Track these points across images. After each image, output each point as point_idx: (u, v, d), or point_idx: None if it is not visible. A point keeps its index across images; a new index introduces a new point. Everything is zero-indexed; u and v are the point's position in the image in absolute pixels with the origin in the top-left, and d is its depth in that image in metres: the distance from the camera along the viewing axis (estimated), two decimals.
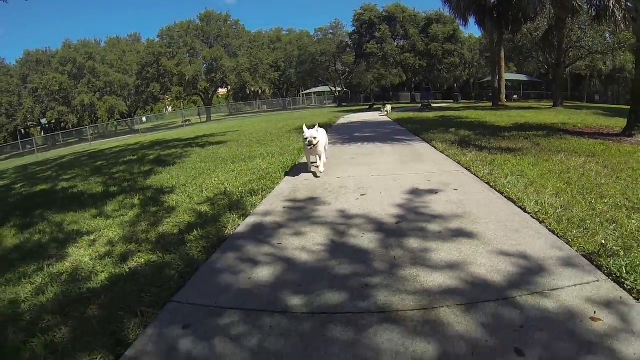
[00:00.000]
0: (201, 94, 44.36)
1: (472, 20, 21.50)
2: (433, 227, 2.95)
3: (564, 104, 20.33)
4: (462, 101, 36.39)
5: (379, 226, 3.06)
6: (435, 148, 6.58)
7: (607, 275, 2.09)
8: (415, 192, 3.92)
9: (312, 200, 3.92)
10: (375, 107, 25.44)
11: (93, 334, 2.00)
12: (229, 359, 1.71)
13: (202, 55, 41.48)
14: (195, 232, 3.25)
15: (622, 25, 11.20)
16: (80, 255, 3.15)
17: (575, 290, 1.97)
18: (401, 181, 4.42)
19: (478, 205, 3.36)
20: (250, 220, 3.49)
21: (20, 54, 50.05)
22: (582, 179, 4.00)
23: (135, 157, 9.66)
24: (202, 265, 2.66)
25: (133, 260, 2.88)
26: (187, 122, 37.65)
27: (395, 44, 39.45)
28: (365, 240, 2.82)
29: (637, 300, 1.87)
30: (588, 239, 2.50)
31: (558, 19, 18.27)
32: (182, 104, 54.59)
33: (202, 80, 41.05)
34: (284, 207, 3.77)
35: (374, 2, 39.70)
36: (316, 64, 44.39)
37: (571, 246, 2.46)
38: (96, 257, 3.07)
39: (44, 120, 42.90)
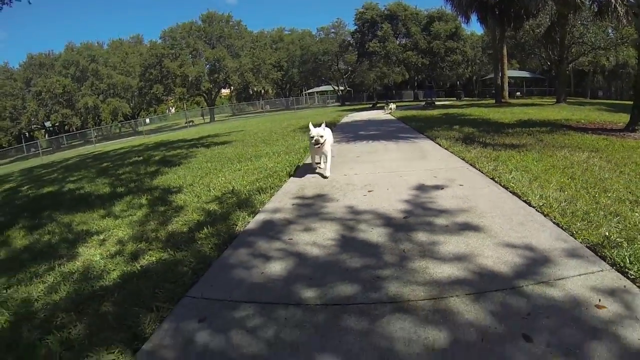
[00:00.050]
0: (204, 94, 44.39)
1: (474, 17, 21.45)
2: (440, 221, 3.00)
3: (567, 100, 20.24)
4: (465, 99, 36.28)
5: (387, 221, 3.11)
6: (440, 145, 6.61)
7: (611, 266, 2.14)
8: (422, 188, 3.97)
9: (320, 197, 3.97)
10: (378, 105, 25.48)
11: (109, 329, 2.01)
12: (246, 350, 1.75)
13: (205, 56, 41.49)
14: (205, 229, 3.26)
15: (625, 21, 11.15)
16: (90, 254, 3.16)
17: (580, 279, 2.02)
18: (407, 178, 4.46)
19: (484, 200, 3.41)
20: (260, 217, 3.54)
21: (24, 57, 50.41)
22: (586, 173, 4.04)
23: (141, 158, 9.67)
24: (215, 261, 2.69)
25: (144, 259, 2.89)
26: (191, 123, 37.83)
27: (398, 42, 39.33)
28: (375, 234, 2.86)
29: None
30: (592, 231, 2.54)
31: (560, 15, 18.25)
32: (185, 105, 54.67)
33: (205, 81, 41.02)
34: (293, 204, 3.82)
35: (376, 0, 39.70)
36: (318, 63, 44.42)
37: (575, 238, 2.50)
38: (107, 256, 3.08)
39: (48, 123, 43.05)
